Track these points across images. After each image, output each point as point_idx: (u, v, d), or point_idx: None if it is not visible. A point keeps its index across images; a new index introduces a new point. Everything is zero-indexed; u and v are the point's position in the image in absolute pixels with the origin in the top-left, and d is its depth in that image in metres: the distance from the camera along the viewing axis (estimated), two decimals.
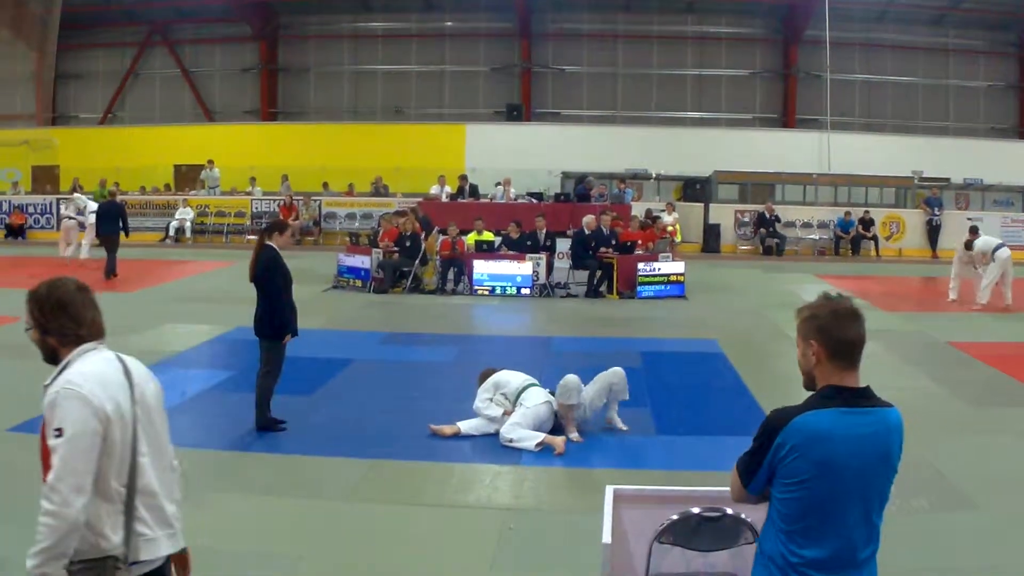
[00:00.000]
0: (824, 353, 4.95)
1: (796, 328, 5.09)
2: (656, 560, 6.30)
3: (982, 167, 45.33)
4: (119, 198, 36.68)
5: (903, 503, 11.01)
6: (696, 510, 5.92)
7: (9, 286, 28.11)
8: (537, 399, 13.63)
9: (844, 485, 4.83)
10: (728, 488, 5.37)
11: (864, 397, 4.95)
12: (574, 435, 13.43)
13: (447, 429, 13.53)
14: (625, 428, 13.97)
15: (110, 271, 30.11)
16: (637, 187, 45.00)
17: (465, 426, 13.64)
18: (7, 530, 9.62)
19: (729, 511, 5.71)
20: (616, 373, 13.94)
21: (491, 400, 13.80)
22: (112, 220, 31.02)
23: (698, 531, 5.89)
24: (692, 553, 6.06)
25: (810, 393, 5.05)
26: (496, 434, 13.42)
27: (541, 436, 13.11)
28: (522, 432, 13.19)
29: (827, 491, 4.84)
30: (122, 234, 31.28)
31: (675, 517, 6.01)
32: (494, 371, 14.27)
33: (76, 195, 36.99)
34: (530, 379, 14.07)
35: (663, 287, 28.41)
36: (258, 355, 13.81)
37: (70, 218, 34.18)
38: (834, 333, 4.94)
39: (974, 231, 27.45)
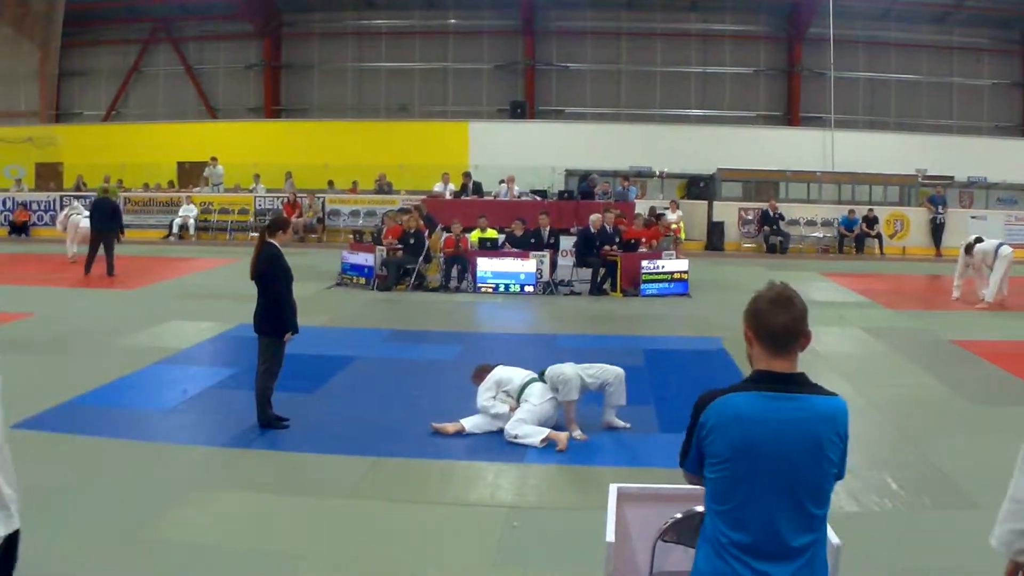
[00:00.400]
0: (754, 338, 5.09)
1: None
2: (659, 559, 6.31)
3: (986, 165, 45.30)
4: (120, 195, 36.83)
5: (905, 501, 11.03)
6: (699, 508, 5.92)
7: (13, 283, 28.21)
8: (542, 396, 13.68)
9: (764, 469, 4.90)
10: None
11: (792, 383, 5.00)
12: (577, 433, 13.45)
13: (450, 427, 13.53)
14: (627, 425, 14.00)
15: (109, 270, 30.08)
16: (641, 185, 44.97)
17: (469, 424, 13.63)
18: None
19: None
20: (615, 373, 13.98)
21: (494, 398, 13.81)
22: (106, 217, 30.91)
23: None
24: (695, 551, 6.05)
25: None
26: (499, 431, 13.48)
27: (546, 432, 13.17)
28: (527, 428, 13.25)
29: (746, 473, 4.93)
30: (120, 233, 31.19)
31: (678, 516, 6.02)
32: (489, 367, 14.25)
33: (76, 204, 37.05)
34: (531, 374, 14.08)
35: (667, 285, 28.35)
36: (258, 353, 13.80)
37: (77, 214, 34.27)
38: (762, 319, 5.04)
39: (979, 241, 27.39)
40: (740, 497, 4.94)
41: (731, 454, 4.93)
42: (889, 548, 9.56)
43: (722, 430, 4.96)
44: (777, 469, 4.89)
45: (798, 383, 5.00)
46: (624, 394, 13.97)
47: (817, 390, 5.03)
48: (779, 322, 5.01)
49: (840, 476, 5.06)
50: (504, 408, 13.63)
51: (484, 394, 13.83)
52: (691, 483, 5.41)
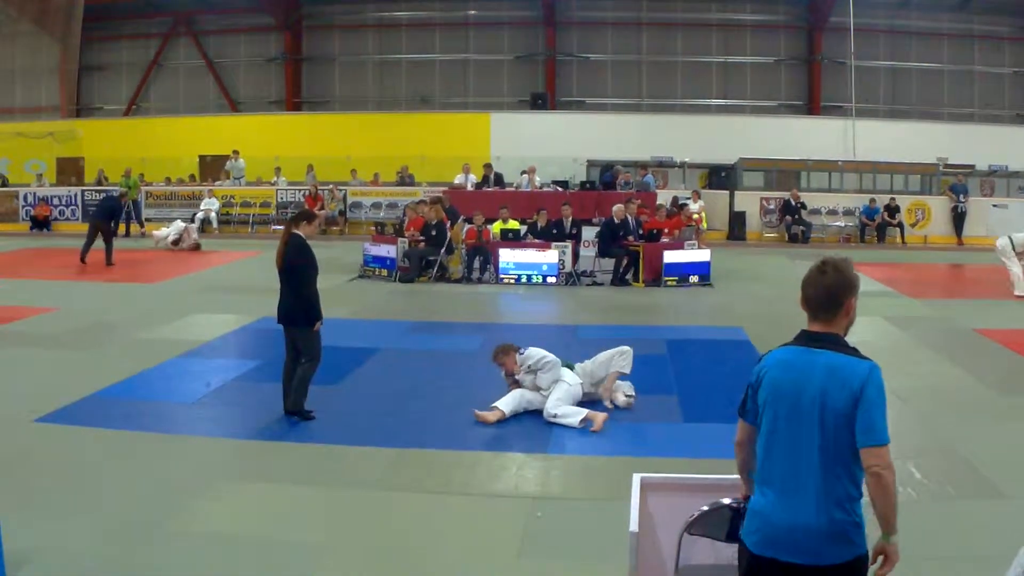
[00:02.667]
0: (802, 303, 5.77)
1: None
2: (685, 550, 6.32)
3: (1007, 153, 45.13)
4: (140, 189, 37.80)
5: (929, 490, 11.01)
6: (726, 501, 5.96)
7: (37, 277, 28.31)
8: (574, 379, 14.07)
9: (783, 410, 5.55)
10: None
11: (818, 340, 5.62)
12: (621, 399, 14.17)
13: (490, 416, 13.59)
14: (631, 395, 14.40)
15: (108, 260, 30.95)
16: (663, 175, 45.02)
17: (507, 408, 13.77)
18: (36, 521, 9.67)
19: None
20: (621, 349, 14.47)
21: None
22: (107, 213, 32.35)
23: (728, 523, 5.93)
24: (721, 544, 6.07)
25: None
26: (529, 412, 13.81)
27: (584, 412, 13.48)
28: (566, 408, 13.57)
29: (773, 414, 5.60)
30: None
31: (705, 508, 6.05)
32: (513, 347, 14.32)
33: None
34: (558, 358, 14.29)
35: (689, 275, 28.34)
36: (284, 344, 13.84)
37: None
38: (805, 287, 5.74)
39: None
40: (769, 435, 5.62)
41: (766, 396, 5.64)
42: (914, 537, 9.51)
43: (765, 374, 5.68)
44: (793, 412, 5.52)
45: (826, 341, 5.60)
46: (630, 364, 14.43)
47: (843, 350, 5.58)
48: (813, 291, 5.68)
49: (870, 439, 5.38)
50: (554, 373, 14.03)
51: (538, 359, 14.08)
52: (739, 431, 5.94)
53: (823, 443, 5.40)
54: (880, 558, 5.48)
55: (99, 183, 46.80)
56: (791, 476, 5.46)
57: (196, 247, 36.63)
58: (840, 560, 5.40)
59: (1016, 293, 25.75)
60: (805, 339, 5.65)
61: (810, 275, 5.73)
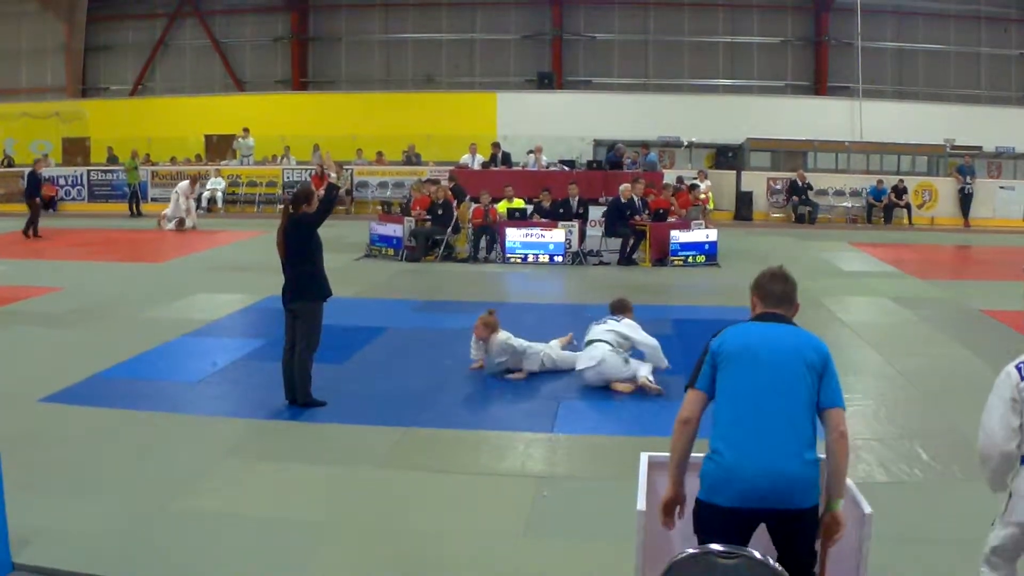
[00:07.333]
0: (757, 300, 6.75)
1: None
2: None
3: (1014, 135, 45.00)
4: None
5: (935, 471, 10.98)
6: (716, 546, 5.52)
7: (42, 257, 28.30)
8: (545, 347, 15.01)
9: (760, 362, 6.22)
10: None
11: (780, 318, 6.56)
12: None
13: (520, 374, 14.53)
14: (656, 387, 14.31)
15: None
16: (669, 155, 45.02)
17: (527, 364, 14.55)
18: (40, 501, 9.66)
19: (757, 554, 5.38)
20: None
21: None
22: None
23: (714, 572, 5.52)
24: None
25: None
26: (534, 392, 14.18)
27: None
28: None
29: (743, 367, 6.25)
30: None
31: (692, 551, 5.60)
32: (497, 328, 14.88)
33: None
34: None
35: (696, 255, 28.32)
36: (284, 328, 13.56)
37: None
38: (764, 287, 6.73)
39: None
40: (736, 387, 6.26)
41: (730, 354, 6.33)
42: (919, 518, 9.54)
43: (730, 342, 6.42)
44: (766, 363, 6.21)
45: (786, 319, 6.58)
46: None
47: (800, 328, 6.53)
48: (775, 290, 6.68)
49: (837, 401, 6.22)
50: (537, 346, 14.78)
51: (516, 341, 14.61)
52: (689, 405, 6.72)
53: (797, 389, 6.10)
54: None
55: (109, 162, 46.97)
56: (765, 424, 6.05)
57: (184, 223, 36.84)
58: (810, 504, 6.00)
59: None
60: (765, 317, 6.59)
61: (771, 277, 6.74)
